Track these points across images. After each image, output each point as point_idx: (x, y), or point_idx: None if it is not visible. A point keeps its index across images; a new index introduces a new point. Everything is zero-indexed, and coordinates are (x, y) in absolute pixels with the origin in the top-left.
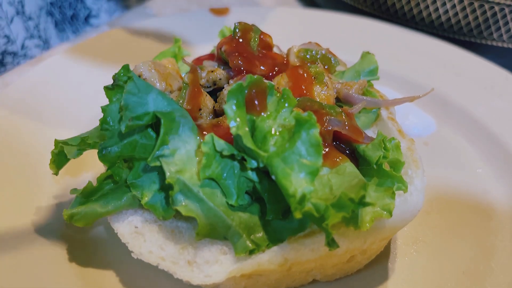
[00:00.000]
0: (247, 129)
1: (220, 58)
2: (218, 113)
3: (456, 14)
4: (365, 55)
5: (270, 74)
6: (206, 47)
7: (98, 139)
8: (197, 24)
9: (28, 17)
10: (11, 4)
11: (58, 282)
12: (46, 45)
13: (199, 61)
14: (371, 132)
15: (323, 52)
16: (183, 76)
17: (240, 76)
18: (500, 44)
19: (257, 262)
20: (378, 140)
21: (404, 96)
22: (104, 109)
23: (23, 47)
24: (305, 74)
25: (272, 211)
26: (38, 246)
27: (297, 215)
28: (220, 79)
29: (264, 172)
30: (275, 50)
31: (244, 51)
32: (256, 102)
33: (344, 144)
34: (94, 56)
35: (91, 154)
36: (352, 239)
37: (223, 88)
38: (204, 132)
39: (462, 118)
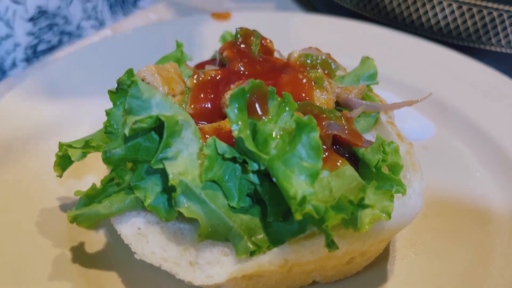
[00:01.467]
0: (248, 132)
1: (221, 63)
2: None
3: (455, 19)
4: (365, 60)
5: None
6: (208, 52)
7: (102, 142)
8: (199, 29)
9: None
10: None
11: (61, 283)
12: (101, 26)
13: (201, 66)
14: (370, 136)
15: (323, 57)
16: (185, 80)
17: (242, 80)
18: (498, 49)
19: (257, 263)
20: (377, 144)
21: (403, 100)
22: (108, 112)
23: (78, 27)
24: (305, 79)
25: (273, 213)
26: (42, 247)
27: (298, 216)
28: None
29: (265, 175)
30: (275, 55)
31: (245, 56)
32: (257, 106)
33: (343, 148)
34: (98, 60)
35: (95, 157)
36: (351, 241)
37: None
38: (206, 135)
39: (461, 122)
